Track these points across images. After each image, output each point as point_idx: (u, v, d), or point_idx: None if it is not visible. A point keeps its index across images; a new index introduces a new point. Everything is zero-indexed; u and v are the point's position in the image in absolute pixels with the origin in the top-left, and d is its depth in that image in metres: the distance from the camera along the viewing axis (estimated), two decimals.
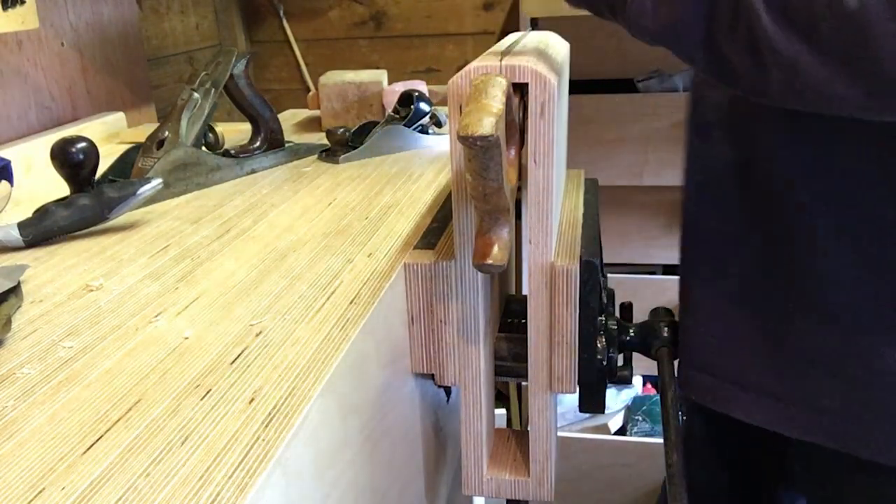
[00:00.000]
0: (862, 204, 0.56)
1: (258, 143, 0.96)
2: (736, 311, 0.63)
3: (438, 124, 1.05)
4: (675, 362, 0.69)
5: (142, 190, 0.72)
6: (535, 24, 1.63)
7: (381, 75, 1.17)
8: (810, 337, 0.60)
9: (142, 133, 1.00)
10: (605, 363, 0.62)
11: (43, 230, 0.69)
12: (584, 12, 0.58)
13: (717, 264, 0.65)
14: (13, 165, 0.87)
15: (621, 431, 1.85)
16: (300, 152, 0.99)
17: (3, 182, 0.84)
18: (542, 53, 0.59)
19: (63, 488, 0.36)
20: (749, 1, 0.46)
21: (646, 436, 1.79)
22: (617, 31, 0.59)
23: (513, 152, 0.53)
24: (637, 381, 1.96)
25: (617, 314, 0.73)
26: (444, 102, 1.14)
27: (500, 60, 0.52)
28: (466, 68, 0.52)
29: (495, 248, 0.50)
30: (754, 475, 0.83)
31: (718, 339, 0.65)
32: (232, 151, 0.95)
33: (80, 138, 0.75)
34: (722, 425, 0.74)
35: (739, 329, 0.63)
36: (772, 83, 0.47)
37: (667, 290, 1.73)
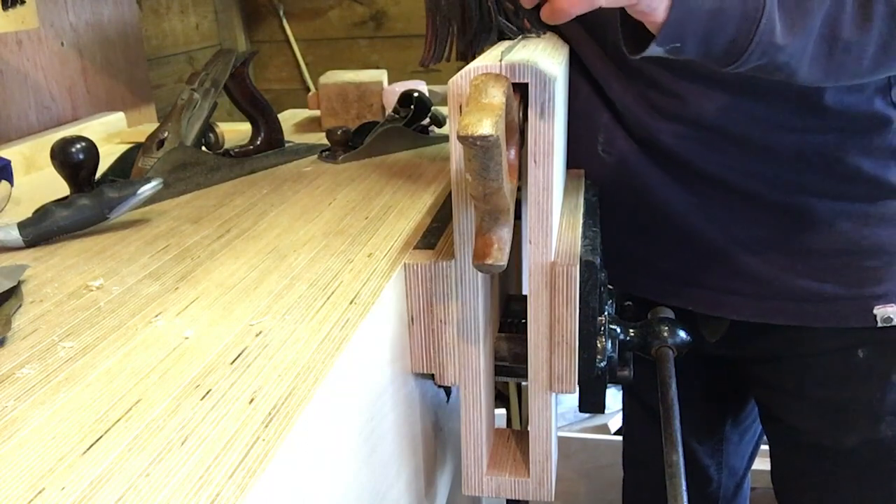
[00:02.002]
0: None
1: (258, 143, 0.96)
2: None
3: (438, 124, 1.05)
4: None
5: (142, 190, 0.72)
6: None
7: (381, 75, 1.17)
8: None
9: (142, 133, 1.00)
10: (604, 363, 0.62)
11: (43, 230, 0.69)
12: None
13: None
14: (13, 165, 0.88)
15: (621, 431, 1.85)
16: (300, 152, 0.99)
17: (3, 182, 0.84)
18: (542, 53, 0.59)
19: (63, 488, 0.36)
20: None
21: None
22: None
23: (513, 152, 0.53)
24: None
25: (617, 314, 0.73)
26: (444, 102, 1.14)
27: (500, 60, 0.52)
28: (466, 68, 0.52)
29: (495, 248, 0.50)
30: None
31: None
32: (232, 151, 0.95)
33: (80, 138, 0.75)
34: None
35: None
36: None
37: None
